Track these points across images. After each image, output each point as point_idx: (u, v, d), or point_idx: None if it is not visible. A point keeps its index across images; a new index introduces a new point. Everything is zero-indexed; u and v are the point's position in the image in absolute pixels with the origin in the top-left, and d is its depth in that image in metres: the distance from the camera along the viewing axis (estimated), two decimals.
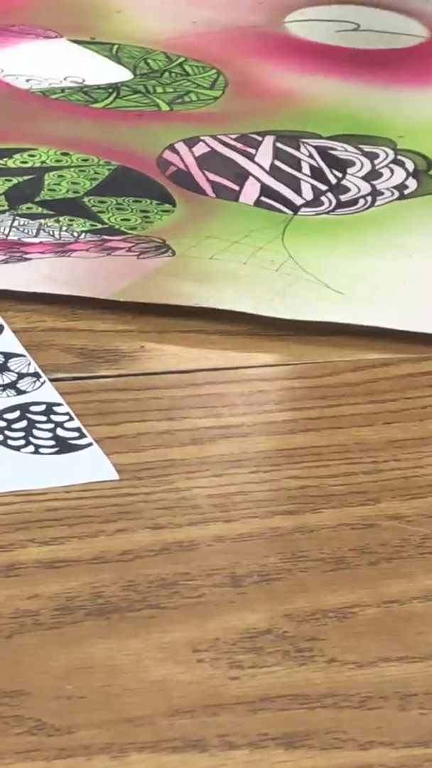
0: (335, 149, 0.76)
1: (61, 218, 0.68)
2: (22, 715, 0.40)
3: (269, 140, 0.77)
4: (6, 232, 0.67)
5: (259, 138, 0.78)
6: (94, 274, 0.63)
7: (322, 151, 0.76)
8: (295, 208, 0.70)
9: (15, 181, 0.72)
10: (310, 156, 0.75)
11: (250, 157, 0.75)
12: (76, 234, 0.67)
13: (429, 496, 0.52)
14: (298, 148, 0.76)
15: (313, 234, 0.68)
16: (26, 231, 0.67)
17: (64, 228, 0.67)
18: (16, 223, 0.67)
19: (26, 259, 0.64)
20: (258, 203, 0.71)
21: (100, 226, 0.68)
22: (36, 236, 0.66)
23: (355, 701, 0.41)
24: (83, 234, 0.67)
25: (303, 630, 0.45)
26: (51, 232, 0.67)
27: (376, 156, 0.75)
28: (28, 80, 0.83)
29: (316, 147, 0.76)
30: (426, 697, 0.42)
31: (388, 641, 0.44)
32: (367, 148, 0.76)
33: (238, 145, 0.77)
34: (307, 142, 0.77)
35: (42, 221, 0.68)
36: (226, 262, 0.65)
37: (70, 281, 0.63)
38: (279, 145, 0.77)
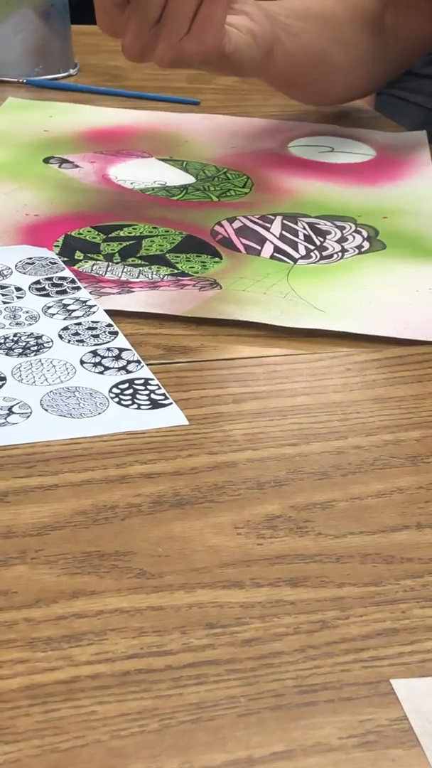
0: (318, 224, 0.96)
1: (152, 266, 0.87)
2: (131, 566, 0.56)
3: (278, 218, 0.98)
4: (119, 275, 0.85)
5: (272, 217, 0.98)
6: (173, 300, 0.81)
7: (311, 225, 0.96)
8: (294, 260, 0.90)
9: (124, 244, 0.91)
10: (304, 228, 0.95)
11: (267, 229, 0.95)
12: (161, 276, 0.85)
13: (380, 433, 0.68)
14: (296, 223, 0.95)
15: (306, 276, 0.87)
16: (131, 275, 0.85)
17: (154, 273, 0.85)
18: (125, 270, 0.86)
19: (131, 291, 0.83)
20: (272, 257, 0.90)
21: (176, 271, 0.86)
22: (137, 278, 0.85)
23: (333, 558, 0.57)
24: (166, 276, 0.85)
25: (301, 515, 0.60)
26: (147, 275, 0.85)
27: (344, 228, 0.94)
28: (132, 183, 1.03)
29: (307, 222, 0.96)
30: (377, 556, 0.58)
31: (354, 522, 0.60)
32: (338, 223, 0.96)
33: (260, 222, 0.97)
34: (302, 219, 0.97)
35: (141, 269, 0.86)
36: (253, 293, 0.83)
37: (158, 304, 0.81)
38: (285, 221, 0.97)
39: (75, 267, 0.87)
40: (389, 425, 0.69)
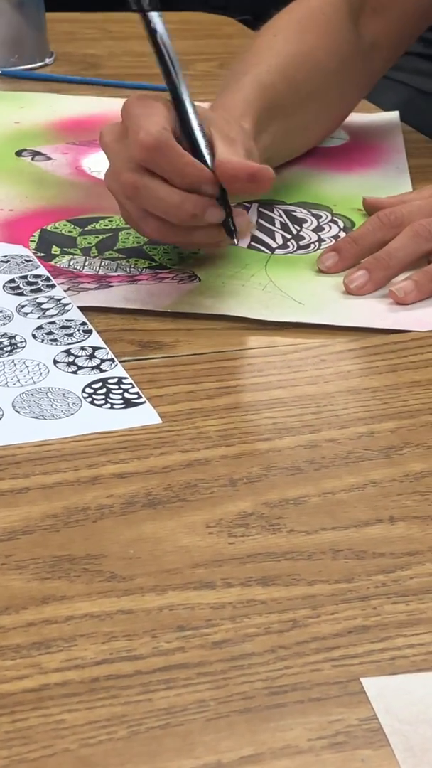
0: (294, 211, 0.95)
1: (130, 260, 0.86)
2: (102, 570, 0.56)
3: (254, 206, 0.96)
4: (97, 269, 0.84)
5: (248, 205, 0.96)
6: (152, 294, 0.81)
7: (287, 213, 0.95)
8: (272, 249, 0.89)
9: (101, 237, 0.90)
10: (280, 215, 0.94)
11: None
12: (139, 269, 0.85)
13: (354, 425, 0.68)
14: (272, 211, 0.94)
15: (283, 266, 0.86)
16: (109, 269, 0.85)
17: (132, 266, 0.85)
18: (103, 263, 0.85)
19: (110, 286, 0.82)
20: (249, 247, 0.89)
21: (154, 263, 0.85)
22: (115, 271, 0.84)
23: (305, 555, 0.57)
24: (144, 269, 0.85)
25: (274, 512, 0.60)
26: (125, 269, 0.84)
27: (320, 216, 0.94)
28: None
29: (283, 210, 0.95)
30: (349, 552, 0.57)
31: (326, 518, 0.60)
32: (314, 211, 0.95)
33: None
34: (278, 206, 0.96)
35: (119, 262, 0.85)
36: (232, 285, 0.83)
37: (137, 300, 0.80)
38: (261, 209, 0.96)
39: (52, 262, 0.86)
40: (363, 417, 0.69)
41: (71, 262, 0.86)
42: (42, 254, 0.88)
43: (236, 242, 0.81)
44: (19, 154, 1.08)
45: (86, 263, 0.86)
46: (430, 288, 0.83)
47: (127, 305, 0.80)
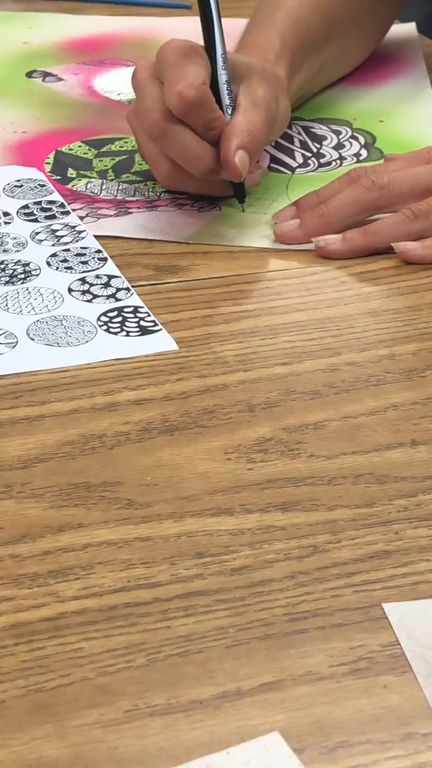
0: (314, 127, 0.92)
1: (148, 183, 0.84)
2: (119, 497, 0.56)
3: None
4: (115, 194, 0.83)
5: None
6: (172, 223, 0.79)
7: (306, 129, 0.92)
8: (293, 169, 0.87)
9: (117, 159, 0.88)
10: (299, 133, 0.91)
11: None
12: (158, 193, 0.83)
13: (375, 348, 0.66)
14: (291, 128, 0.91)
15: (305, 186, 0.84)
16: (127, 193, 0.83)
17: (150, 190, 0.83)
18: (121, 187, 0.84)
19: (129, 213, 0.81)
20: (270, 168, 0.87)
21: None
22: (133, 196, 0.82)
23: (325, 480, 0.57)
24: (162, 194, 0.83)
25: (293, 437, 0.60)
26: (143, 193, 0.83)
27: (340, 132, 0.91)
28: (118, 94, 1.00)
29: (302, 126, 0.93)
30: (370, 476, 0.57)
31: (347, 442, 0.59)
32: (333, 127, 0.93)
33: None
34: (296, 123, 0.93)
35: (137, 185, 0.84)
36: (253, 213, 0.81)
37: (157, 229, 0.79)
38: None
39: (69, 186, 0.85)
40: (384, 339, 0.68)
41: (88, 186, 0.85)
42: (58, 177, 0.86)
43: (243, 209, 0.80)
44: (29, 75, 1.06)
45: (103, 187, 0.85)
46: (361, 243, 0.76)
47: (147, 235, 0.79)
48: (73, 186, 0.85)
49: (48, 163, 0.88)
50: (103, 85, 1.03)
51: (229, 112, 0.78)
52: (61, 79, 1.05)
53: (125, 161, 0.89)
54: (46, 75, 1.05)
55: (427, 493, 0.56)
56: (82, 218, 0.80)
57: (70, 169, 0.87)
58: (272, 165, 0.88)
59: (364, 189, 0.77)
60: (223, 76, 0.79)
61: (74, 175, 0.86)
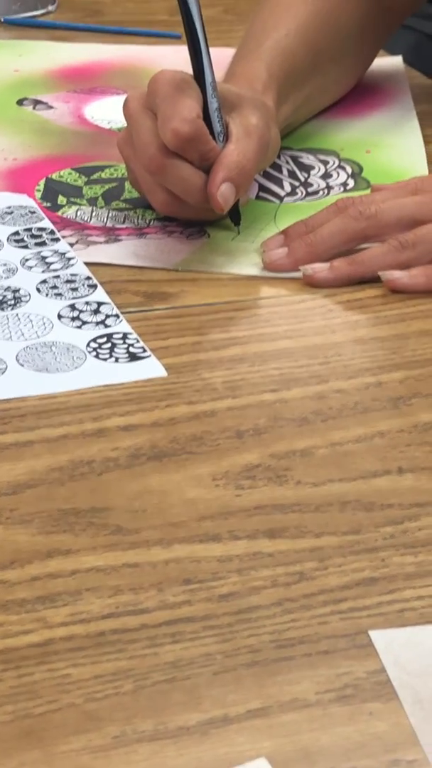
0: (301, 157, 0.93)
1: (138, 210, 0.85)
2: (108, 523, 0.56)
3: None
4: (105, 221, 0.83)
5: None
6: (161, 250, 0.80)
7: (294, 158, 0.93)
8: (280, 198, 0.87)
9: (107, 186, 0.89)
10: (287, 162, 0.92)
11: None
12: (147, 221, 0.83)
13: (362, 376, 0.67)
14: (279, 157, 0.92)
15: (293, 215, 0.84)
16: (117, 220, 0.83)
17: (140, 217, 0.84)
18: (111, 215, 0.84)
19: (118, 240, 0.81)
20: (258, 197, 0.88)
21: (161, 215, 0.83)
22: (123, 223, 0.83)
23: (312, 507, 0.57)
24: (152, 221, 0.83)
25: (281, 464, 0.60)
26: (133, 221, 0.83)
27: (327, 162, 0.92)
28: (109, 122, 1.01)
29: (290, 156, 0.93)
30: (356, 503, 0.57)
31: (334, 469, 0.59)
32: (321, 157, 0.93)
33: None
34: (285, 152, 0.93)
35: (126, 213, 0.84)
36: (241, 242, 0.82)
37: (147, 256, 0.79)
38: None
39: (59, 213, 0.85)
40: (371, 367, 0.68)
41: (78, 213, 0.85)
42: (48, 204, 0.87)
43: (239, 232, 0.81)
44: (20, 103, 1.06)
45: (93, 214, 0.85)
46: (347, 272, 0.77)
47: (137, 262, 0.79)
48: (63, 213, 0.85)
49: (38, 190, 0.89)
50: (94, 113, 1.04)
51: (221, 139, 0.79)
52: (51, 107, 1.05)
53: (115, 189, 0.89)
54: (36, 103, 1.06)
55: (413, 521, 0.57)
56: (72, 245, 0.81)
57: (60, 196, 0.88)
58: (261, 194, 0.89)
59: (352, 219, 0.78)
60: (213, 104, 0.79)
61: (64, 203, 0.87)
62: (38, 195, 0.88)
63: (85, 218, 0.84)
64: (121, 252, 0.80)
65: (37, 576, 0.53)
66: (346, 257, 0.77)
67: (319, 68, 0.97)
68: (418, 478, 0.59)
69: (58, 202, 0.87)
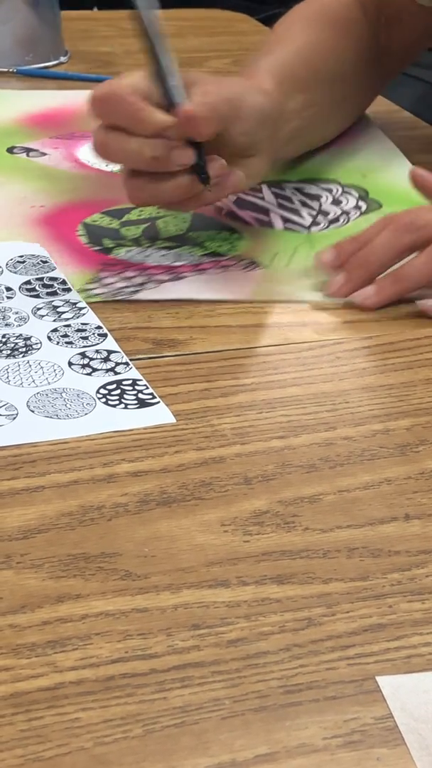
0: (304, 188, 0.95)
1: (184, 247, 0.86)
2: (117, 568, 0.56)
3: (264, 186, 0.95)
4: (158, 260, 0.84)
5: (258, 186, 0.95)
6: (227, 284, 0.81)
7: (299, 190, 0.94)
8: (306, 227, 0.89)
9: (142, 227, 0.89)
10: (294, 193, 0.94)
11: (261, 198, 0.93)
12: (198, 257, 0.84)
13: (369, 423, 0.68)
14: (284, 189, 0.93)
15: (327, 244, 0.84)
16: (170, 258, 0.84)
17: (189, 254, 0.85)
18: (162, 254, 0.85)
19: (182, 277, 0.82)
20: (285, 228, 0.89)
21: (208, 251, 0.85)
22: (177, 261, 0.84)
23: (320, 554, 0.57)
24: (202, 257, 0.84)
25: (289, 510, 0.60)
26: (185, 258, 0.84)
27: (331, 189, 0.94)
28: (106, 164, 1.00)
29: (294, 187, 0.95)
30: (364, 550, 0.57)
31: (341, 516, 0.60)
32: (323, 185, 0.95)
33: (251, 192, 0.94)
34: (286, 185, 0.95)
35: (176, 251, 0.85)
36: (297, 269, 0.83)
37: (218, 290, 0.81)
38: (273, 189, 0.95)
39: (111, 255, 0.86)
40: (379, 414, 0.69)
41: (128, 254, 0.85)
42: (98, 248, 0.87)
43: (210, 189, 0.81)
44: (10, 151, 1.07)
45: (145, 254, 0.85)
46: (391, 291, 0.79)
47: (216, 296, 0.80)
48: (116, 254, 0.86)
49: (82, 235, 0.89)
50: (88, 157, 1.04)
51: (179, 102, 0.79)
52: (44, 154, 1.05)
53: (150, 228, 0.89)
54: (28, 150, 1.06)
55: (421, 567, 0.57)
56: (142, 284, 0.81)
57: (104, 239, 0.88)
58: (287, 225, 0.89)
59: (403, 230, 0.79)
60: (169, 75, 0.79)
61: (112, 245, 0.87)
62: (84, 240, 0.88)
63: (138, 259, 0.85)
64: (195, 288, 0.81)
65: (47, 620, 0.53)
66: (389, 275, 0.79)
67: (319, 84, 0.98)
68: (425, 525, 0.60)
69: (105, 245, 0.87)
